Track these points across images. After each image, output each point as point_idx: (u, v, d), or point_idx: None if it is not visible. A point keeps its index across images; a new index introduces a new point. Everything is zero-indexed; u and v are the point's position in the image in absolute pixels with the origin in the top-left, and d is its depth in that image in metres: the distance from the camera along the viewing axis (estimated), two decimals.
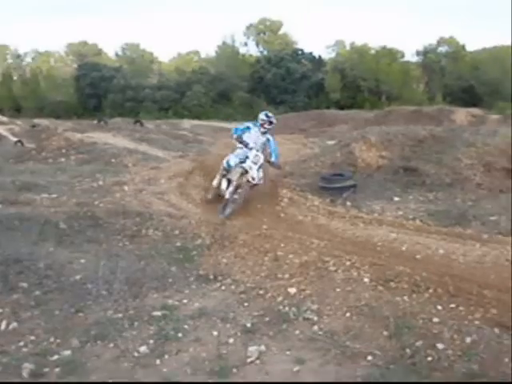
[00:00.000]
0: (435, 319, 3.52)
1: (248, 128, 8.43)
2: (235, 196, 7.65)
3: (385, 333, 3.41)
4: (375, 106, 41.08)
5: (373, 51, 54.96)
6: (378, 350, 3.20)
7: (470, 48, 54.22)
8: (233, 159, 8.08)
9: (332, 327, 3.59)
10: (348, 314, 3.75)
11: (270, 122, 8.43)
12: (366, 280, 4.28)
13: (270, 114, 8.57)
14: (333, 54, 59.65)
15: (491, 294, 3.93)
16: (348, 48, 58.97)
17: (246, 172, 7.74)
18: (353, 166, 10.71)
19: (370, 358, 3.13)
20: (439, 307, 3.71)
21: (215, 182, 8.37)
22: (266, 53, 58.17)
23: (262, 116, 8.47)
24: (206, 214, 7.59)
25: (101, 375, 3.08)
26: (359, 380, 2.90)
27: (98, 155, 14.08)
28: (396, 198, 8.69)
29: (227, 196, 7.62)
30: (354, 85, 50.23)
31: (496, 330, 3.33)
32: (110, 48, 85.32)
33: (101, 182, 9.97)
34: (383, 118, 23.21)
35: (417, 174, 9.82)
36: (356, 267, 4.54)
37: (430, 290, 4.00)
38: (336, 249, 5.32)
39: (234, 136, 8.26)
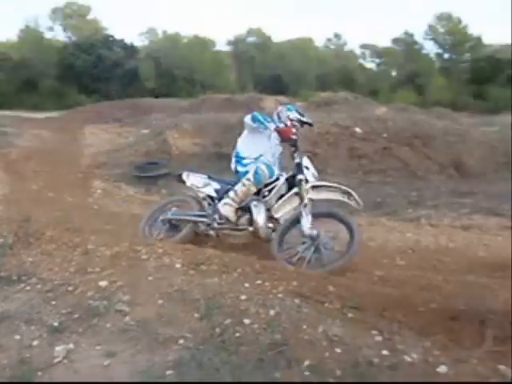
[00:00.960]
0: (243, 297, 3.67)
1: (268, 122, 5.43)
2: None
3: (196, 315, 3.47)
4: (190, 94, 41.54)
5: (185, 40, 55.40)
6: (190, 332, 3.25)
7: (275, 39, 57.35)
8: (275, 168, 5.37)
9: (144, 316, 3.55)
10: (160, 301, 3.74)
11: (302, 124, 5.67)
12: (177, 265, 4.31)
13: (300, 110, 5.83)
14: (146, 42, 58.93)
15: (296, 270, 4.26)
16: (161, 36, 58.66)
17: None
18: (167, 154, 10.84)
19: (181, 341, 3.16)
20: (247, 285, 3.88)
21: (229, 213, 5.36)
22: (74, 38, 55.24)
23: (289, 113, 5.62)
24: (7, 211, 7.02)
25: None
26: (170, 364, 2.92)
27: None
28: None
29: (307, 232, 4.93)
30: (169, 73, 50.21)
31: (296, 301, 3.58)
32: None
33: None
34: (198, 107, 23.62)
35: (229, 160, 10.23)
36: (168, 254, 4.55)
37: (239, 270, 4.18)
38: None
39: (273, 126, 5.35)
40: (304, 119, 5.60)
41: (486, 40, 49.32)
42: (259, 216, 5.17)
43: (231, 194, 5.38)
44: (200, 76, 49.81)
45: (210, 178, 5.88)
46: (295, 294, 3.72)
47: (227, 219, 5.37)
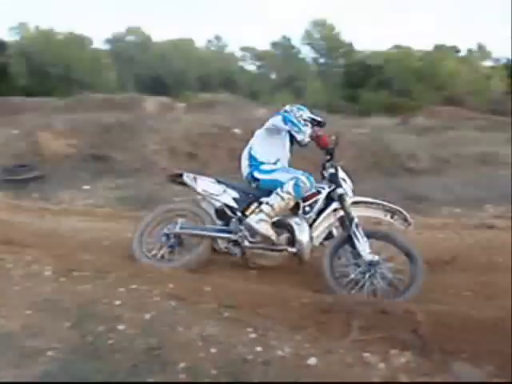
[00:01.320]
0: (117, 302, 3.57)
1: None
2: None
3: (66, 324, 3.32)
4: (66, 93, 39.65)
5: (60, 36, 52.86)
6: (59, 342, 3.10)
7: (155, 39, 56.53)
8: (311, 178, 4.68)
9: (10, 329, 3.33)
10: (28, 312, 3.53)
11: (313, 124, 5.05)
12: (47, 273, 4.10)
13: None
14: (17, 37, 55.32)
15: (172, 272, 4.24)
16: (33, 31, 55.43)
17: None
18: (39, 156, 10.29)
19: (50, 353, 3.01)
20: (121, 289, 3.78)
21: (269, 232, 4.53)
22: None
23: (302, 112, 5.09)
24: None
25: None
26: (38, 377, 2.77)
27: None
28: (86, 187, 8.66)
29: (368, 257, 4.28)
30: (42, 71, 47.56)
31: (172, 303, 3.56)
32: None
33: None
34: (74, 106, 22.63)
35: (106, 162, 9.99)
36: (37, 261, 4.32)
37: (113, 275, 4.06)
38: (17, 245, 5.00)
39: (310, 130, 4.82)
40: (318, 119, 5.09)
41: (358, 46, 52.28)
42: (303, 235, 4.46)
43: (266, 208, 4.51)
44: (77, 75, 47.66)
45: (219, 182, 4.94)
46: (171, 296, 3.69)
47: (267, 238, 4.56)
